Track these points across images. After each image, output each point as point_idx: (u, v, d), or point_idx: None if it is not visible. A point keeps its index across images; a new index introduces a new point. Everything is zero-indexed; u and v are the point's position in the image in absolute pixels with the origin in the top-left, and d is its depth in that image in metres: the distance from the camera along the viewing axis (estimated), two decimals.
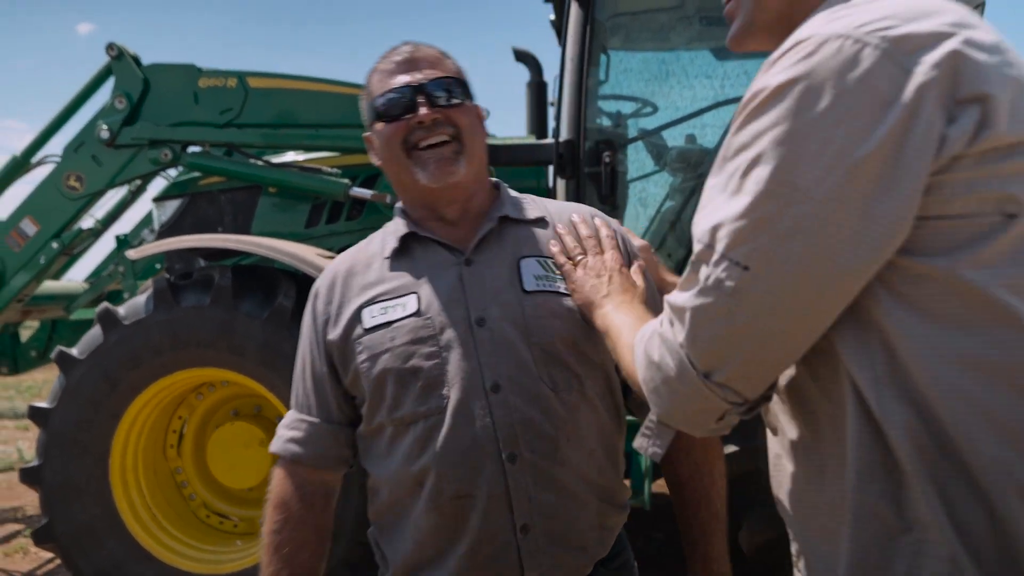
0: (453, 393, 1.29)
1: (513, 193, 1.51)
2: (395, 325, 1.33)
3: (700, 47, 4.15)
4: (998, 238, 0.76)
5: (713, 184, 0.85)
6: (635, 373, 0.98)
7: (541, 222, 1.45)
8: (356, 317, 1.36)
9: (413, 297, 1.34)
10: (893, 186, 0.75)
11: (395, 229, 1.45)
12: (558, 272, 1.37)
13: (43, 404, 3.17)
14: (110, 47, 3.96)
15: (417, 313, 1.33)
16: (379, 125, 1.39)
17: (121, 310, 3.15)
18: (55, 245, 4.11)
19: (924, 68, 0.76)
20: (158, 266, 4.82)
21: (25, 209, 4.07)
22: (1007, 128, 0.77)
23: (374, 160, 1.45)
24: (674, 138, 4.03)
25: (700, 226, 0.84)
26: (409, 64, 1.39)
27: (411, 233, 1.41)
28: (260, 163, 4.00)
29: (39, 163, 4.19)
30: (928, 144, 0.76)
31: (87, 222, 4.38)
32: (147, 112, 3.96)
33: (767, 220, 0.78)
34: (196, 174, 4.13)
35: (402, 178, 1.40)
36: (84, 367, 3.12)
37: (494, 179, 1.51)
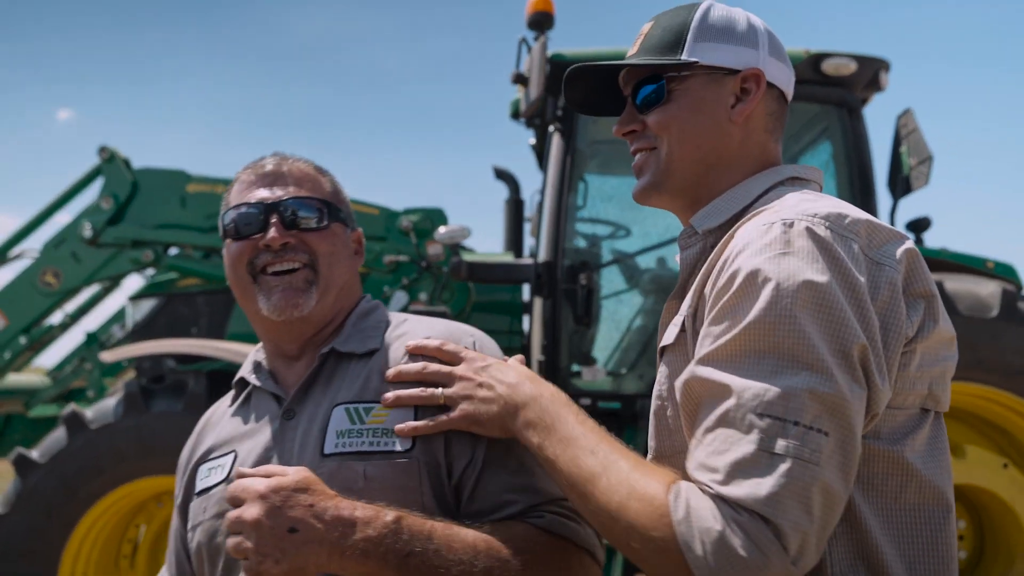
0: None
1: (383, 317, 1.29)
2: (210, 493, 1.19)
3: None
4: (922, 428, 0.91)
5: (731, 349, 0.85)
6: (644, 528, 0.81)
7: (371, 354, 1.21)
8: (193, 475, 1.26)
9: (230, 457, 1.20)
10: (881, 370, 0.85)
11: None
12: (374, 419, 1.11)
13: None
14: (102, 150, 4.05)
15: (227, 479, 1.16)
16: (228, 242, 1.24)
17: (88, 413, 3.09)
18: (23, 340, 4.06)
19: (892, 263, 0.87)
20: (125, 363, 4.75)
21: None
22: (943, 324, 0.88)
23: (228, 277, 1.26)
24: (646, 261, 4.18)
25: (747, 394, 0.80)
26: (271, 178, 1.24)
27: (241, 379, 1.29)
28: None
29: (17, 257, 4.17)
30: (900, 335, 0.85)
31: (57, 317, 4.34)
32: (133, 213, 4.02)
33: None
34: (173, 275, 4.16)
35: (246, 304, 1.24)
36: (42, 471, 3.02)
37: (368, 301, 1.32)
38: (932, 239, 4.17)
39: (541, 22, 3.34)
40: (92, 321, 4.84)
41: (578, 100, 1.25)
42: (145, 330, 4.10)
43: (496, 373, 1.09)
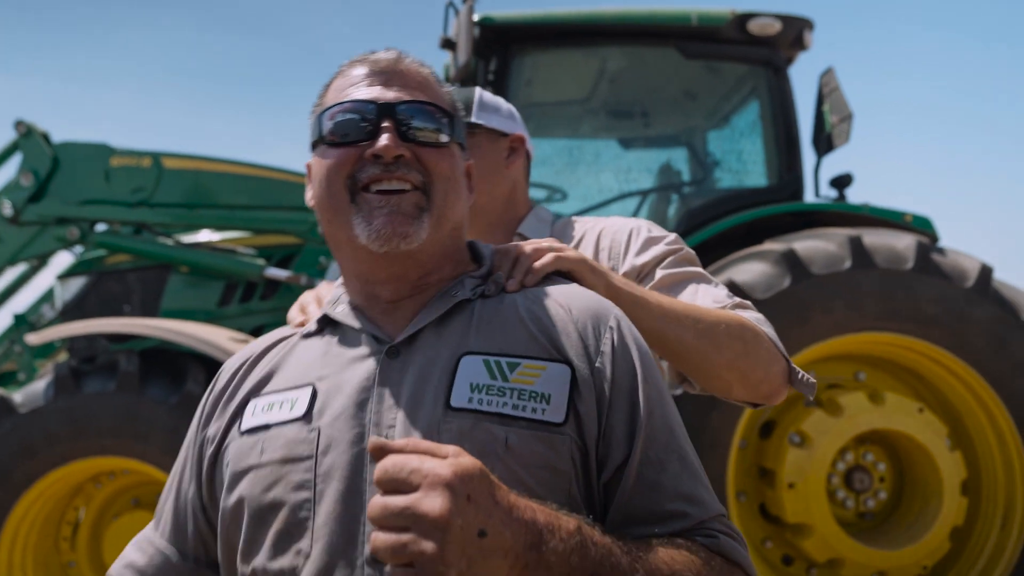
0: (315, 551, 0.88)
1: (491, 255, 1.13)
2: (272, 430, 0.96)
3: (607, 137, 4.42)
4: None
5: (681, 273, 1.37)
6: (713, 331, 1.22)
7: (506, 299, 1.03)
8: (238, 412, 1.02)
9: (306, 392, 0.97)
10: None
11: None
12: (521, 377, 0.93)
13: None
14: (18, 124, 3.89)
15: (305, 417, 0.95)
16: (322, 148, 1.02)
17: (17, 397, 3.03)
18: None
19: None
20: (57, 344, 4.64)
21: None
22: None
23: (308, 199, 1.07)
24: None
25: (718, 292, 1.35)
26: (387, 75, 1.03)
27: (324, 317, 1.07)
28: (170, 242, 3.96)
29: None
30: None
31: None
32: (55, 189, 3.89)
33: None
34: (102, 252, 4.05)
35: (335, 230, 1.02)
36: None
37: (473, 243, 1.14)
38: (861, 195, 4.29)
39: None
40: (20, 302, 4.69)
41: None
42: (75, 310, 3.99)
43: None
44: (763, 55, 3.78)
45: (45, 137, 3.93)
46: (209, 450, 1.03)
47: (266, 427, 0.97)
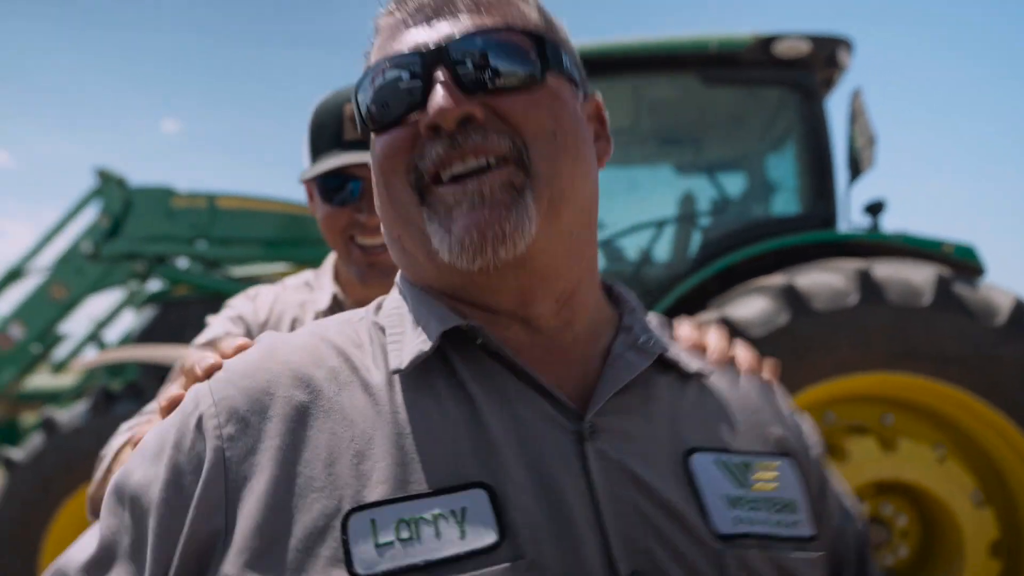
0: None
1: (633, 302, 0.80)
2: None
3: (658, 163, 4.35)
4: None
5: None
6: None
7: (701, 377, 0.76)
8: (326, 538, 0.57)
9: (479, 497, 0.59)
10: None
11: (413, 308, 0.70)
12: (760, 481, 0.71)
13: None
14: (100, 172, 4.38)
15: (501, 547, 0.57)
16: (373, 141, 0.72)
17: (62, 417, 3.39)
18: (37, 347, 4.45)
19: None
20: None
21: (14, 315, 4.44)
22: None
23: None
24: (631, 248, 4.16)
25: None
26: (430, 9, 0.69)
27: (458, 330, 0.66)
28: (222, 275, 4.30)
29: (30, 273, 4.58)
30: None
31: (73, 327, 4.74)
32: (127, 229, 4.34)
33: None
34: (170, 285, 4.46)
35: (412, 249, 0.70)
36: (23, 470, 3.35)
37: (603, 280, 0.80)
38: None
39: None
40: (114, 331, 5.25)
41: None
42: (144, 337, 4.41)
43: None
44: (791, 78, 3.61)
45: (120, 182, 4.40)
46: None
47: (426, 569, 0.56)
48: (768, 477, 0.72)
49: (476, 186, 0.64)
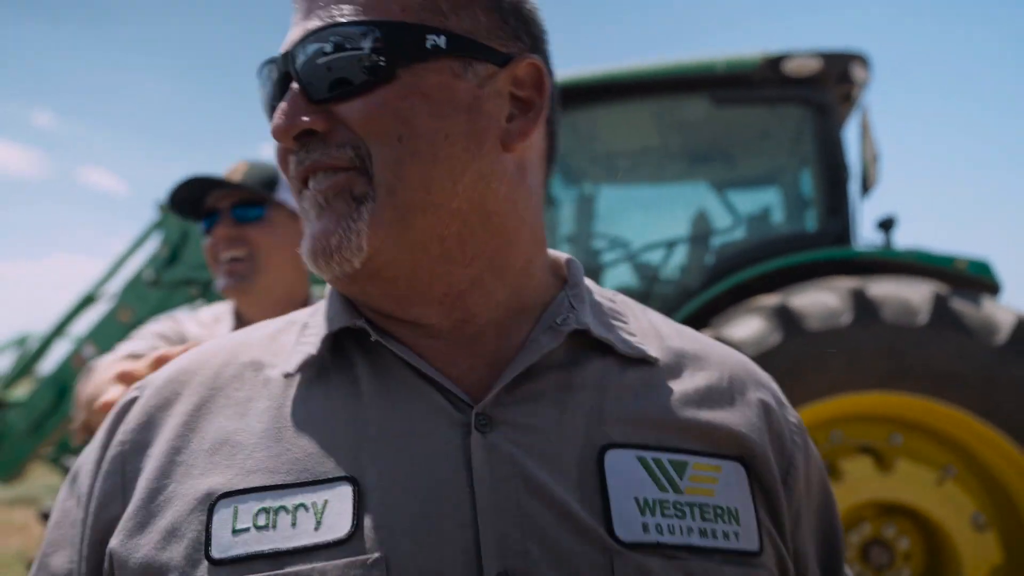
0: None
1: (593, 287, 0.76)
2: (288, 569, 0.56)
3: (690, 180, 4.40)
4: None
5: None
6: None
7: (649, 364, 0.70)
8: (194, 519, 0.60)
9: (343, 491, 0.59)
10: None
11: (325, 308, 0.72)
12: (695, 485, 0.64)
13: (50, 507, 3.77)
14: (161, 207, 4.78)
15: (351, 540, 0.57)
16: None
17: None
18: None
19: None
20: None
21: (87, 337, 4.88)
22: None
23: None
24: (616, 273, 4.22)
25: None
26: (305, 3, 0.66)
27: (348, 330, 0.67)
28: None
29: (101, 298, 5.02)
30: None
31: None
32: (184, 257, 4.71)
33: None
34: None
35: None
36: None
37: (558, 255, 0.77)
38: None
39: None
40: None
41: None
42: None
43: None
44: (803, 95, 3.61)
45: None
46: (124, 567, 0.61)
47: (274, 557, 0.57)
48: (705, 480, 0.64)
49: (317, 192, 0.63)
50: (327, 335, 0.67)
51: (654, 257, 3.97)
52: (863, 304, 2.85)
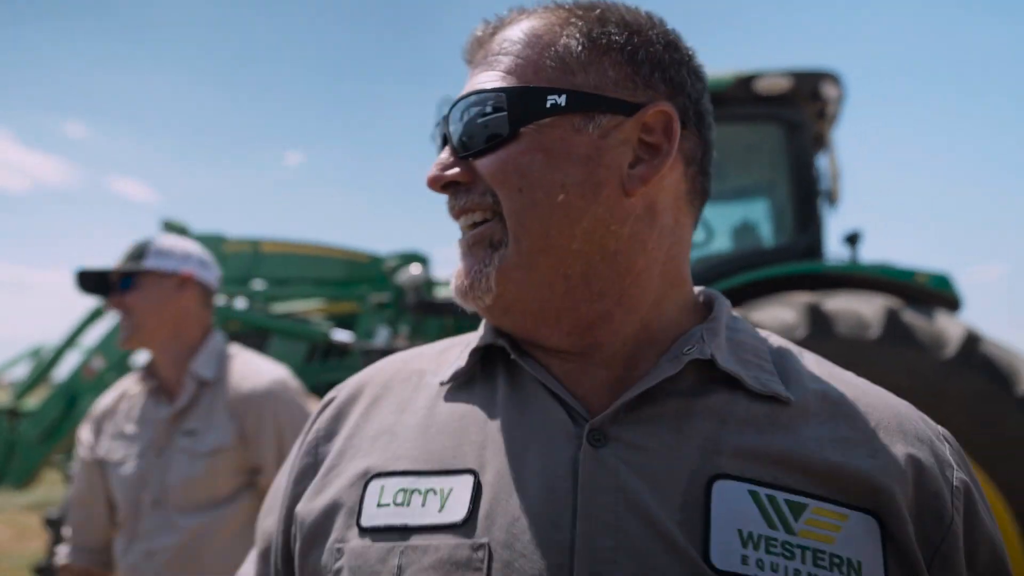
0: None
1: (749, 328, 0.78)
2: (413, 539, 0.67)
3: None
4: None
5: None
6: None
7: (782, 403, 0.69)
8: (352, 492, 0.73)
9: (464, 482, 0.68)
10: None
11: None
12: (811, 528, 0.63)
13: (54, 514, 3.96)
14: (166, 223, 4.98)
15: (465, 525, 0.66)
16: None
17: None
18: (112, 377, 5.08)
19: None
20: None
21: (96, 348, 5.09)
22: None
23: None
24: None
25: None
26: (473, 64, 0.78)
27: (490, 348, 0.77)
28: (265, 312, 4.79)
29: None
30: None
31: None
32: None
33: None
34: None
35: None
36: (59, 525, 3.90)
37: (711, 293, 0.81)
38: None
39: None
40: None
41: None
42: None
43: None
44: (774, 113, 3.71)
45: (183, 230, 4.99)
46: (302, 533, 0.74)
47: (403, 531, 0.67)
48: (825, 526, 0.61)
49: (464, 240, 0.74)
50: (473, 350, 0.77)
51: None
52: (818, 319, 2.94)
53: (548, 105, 0.69)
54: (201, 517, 1.80)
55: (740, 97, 3.70)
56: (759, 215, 3.93)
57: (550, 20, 0.73)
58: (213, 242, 4.87)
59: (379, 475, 0.72)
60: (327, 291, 4.71)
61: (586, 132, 0.70)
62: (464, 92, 0.74)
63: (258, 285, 4.90)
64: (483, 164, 0.71)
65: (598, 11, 0.74)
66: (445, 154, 0.74)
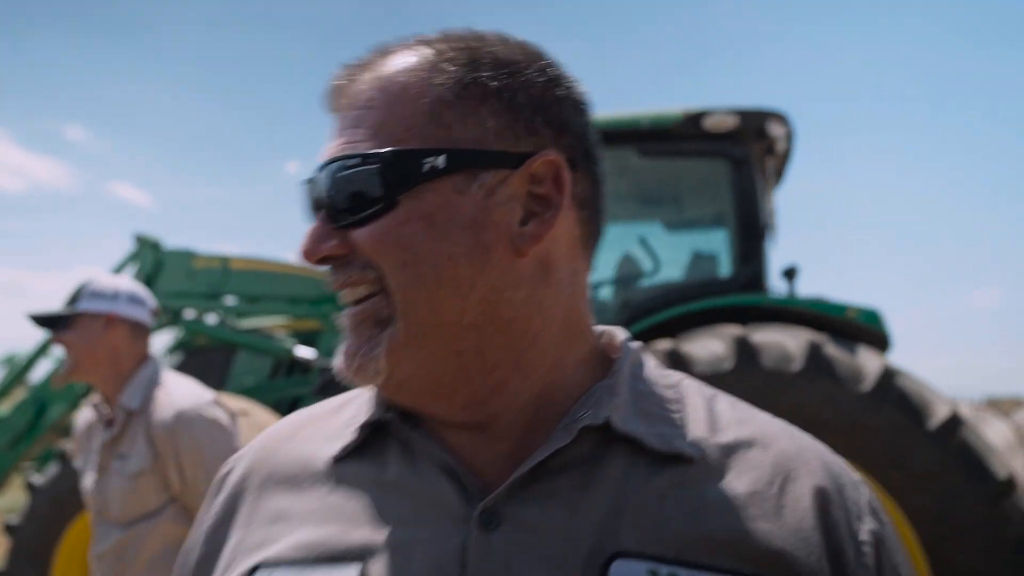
0: None
1: (653, 372, 0.74)
2: None
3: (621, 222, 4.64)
4: None
5: None
6: None
7: (685, 462, 0.65)
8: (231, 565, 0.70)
9: (352, 573, 0.63)
10: None
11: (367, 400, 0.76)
12: None
13: (14, 520, 4.05)
14: (138, 238, 5.10)
15: None
16: None
17: (71, 448, 4.02)
18: (83, 387, 5.18)
19: None
20: None
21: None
22: None
23: None
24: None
25: None
26: (336, 117, 0.70)
27: (377, 423, 0.72)
28: (230, 327, 4.90)
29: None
30: None
31: None
32: (157, 286, 5.02)
33: None
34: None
35: None
36: (41, 493, 3.98)
37: (616, 338, 0.76)
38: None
39: None
40: None
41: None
42: None
43: None
44: (720, 149, 3.85)
45: (155, 245, 5.11)
46: None
47: None
48: None
49: (348, 316, 0.67)
50: (363, 425, 0.71)
51: None
52: (745, 351, 3.05)
53: (425, 169, 0.63)
54: (131, 528, 2.05)
55: (689, 133, 3.84)
56: (720, 245, 4.06)
57: (416, 65, 0.66)
58: (183, 257, 4.99)
59: (266, 565, 0.66)
60: (294, 308, 4.83)
61: (469, 193, 0.64)
62: (332, 154, 0.66)
63: (229, 301, 5.01)
64: (360, 236, 0.65)
65: (469, 51, 0.66)
66: (318, 223, 0.67)
